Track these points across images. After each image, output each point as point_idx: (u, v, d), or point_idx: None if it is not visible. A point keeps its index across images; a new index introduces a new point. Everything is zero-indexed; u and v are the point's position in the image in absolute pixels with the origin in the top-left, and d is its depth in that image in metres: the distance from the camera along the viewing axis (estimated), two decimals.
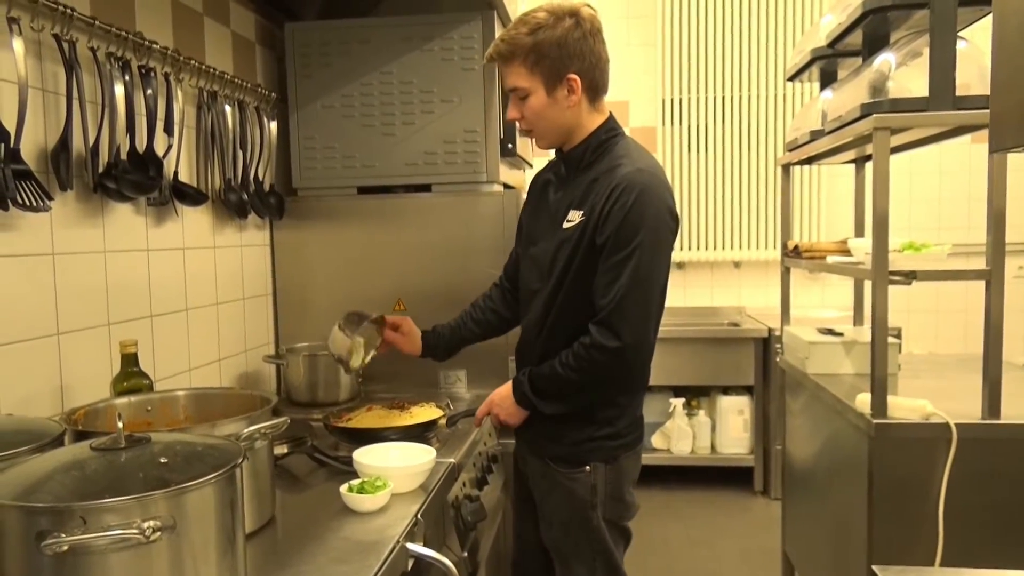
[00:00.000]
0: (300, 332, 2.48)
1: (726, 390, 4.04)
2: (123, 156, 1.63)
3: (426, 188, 2.42)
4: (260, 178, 2.32)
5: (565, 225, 1.62)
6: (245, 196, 2.17)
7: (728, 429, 3.98)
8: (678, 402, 4.00)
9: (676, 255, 4.37)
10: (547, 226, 1.69)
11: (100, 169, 1.59)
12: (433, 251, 2.42)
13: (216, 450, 1.00)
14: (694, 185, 4.39)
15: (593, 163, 1.62)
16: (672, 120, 4.36)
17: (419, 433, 1.74)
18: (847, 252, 2.41)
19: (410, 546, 1.28)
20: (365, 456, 1.47)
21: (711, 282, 4.49)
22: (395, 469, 1.44)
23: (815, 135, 2.39)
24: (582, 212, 1.58)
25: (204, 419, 1.42)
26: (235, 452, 0.99)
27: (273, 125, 2.36)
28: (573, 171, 1.67)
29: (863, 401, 1.94)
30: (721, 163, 4.36)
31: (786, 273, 2.85)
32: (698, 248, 4.42)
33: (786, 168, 2.83)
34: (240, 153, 2.18)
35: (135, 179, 1.62)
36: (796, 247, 2.65)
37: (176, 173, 1.87)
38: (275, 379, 2.45)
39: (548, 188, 1.75)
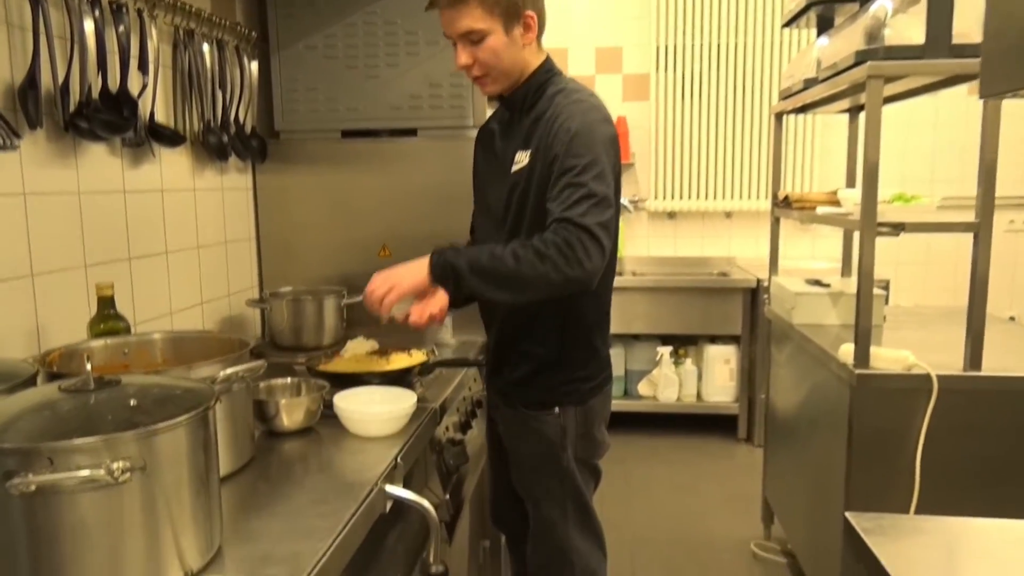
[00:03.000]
0: (284, 276, 2.46)
1: (713, 339, 4.06)
2: (95, 95, 1.58)
3: (411, 132, 2.38)
4: (241, 120, 2.27)
5: (513, 169, 1.61)
6: (225, 138, 2.13)
7: (714, 378, 4.02)
8: (665, 351, 4.02)
9: (666, 204, 4.35)
10: (496, 175, 1.68)
11: (71, 108, 1.55)
12: (418, 196, 2.39)
13: (189, 393, 0.99)
14: (687, 133, 4.33)
15: (535, 103, 1.62)
16: (666, 67, 4.28)
17: (402, 378, 1.74)
18: (837, 203, 2.39)
19: (388, 488, 1.28)
20: (345, 400, 1.47)
21: (702, 232, 4.47)
22: (375, 413, 1.44)
23: (809, 83, 2.35)
24: (528, 152, 1.58)
25: (181, 362, 1.40)
26: (207, 395, 0.98)
27: (254, 65, 2.30)
28: (517, 114, 1.66)
29: (846, 351, 1.95)
30: (715, 111, 4.29)
31: (776, 223, 2.84)
32: (689, 197, 4.39)
33: (779, 117, 2.78)
34: (219, 94, 2.13)
35: (108, 119, 1.58)
36: (786, 197, 2.63)
37: (152, 114, 1.83)
38: (259, 323, 2.44)
39: (493, 138, 1.73)
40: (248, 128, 2.32)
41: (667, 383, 4.03)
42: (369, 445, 1.42)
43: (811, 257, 4.36)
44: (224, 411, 1.24)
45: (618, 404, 4.02)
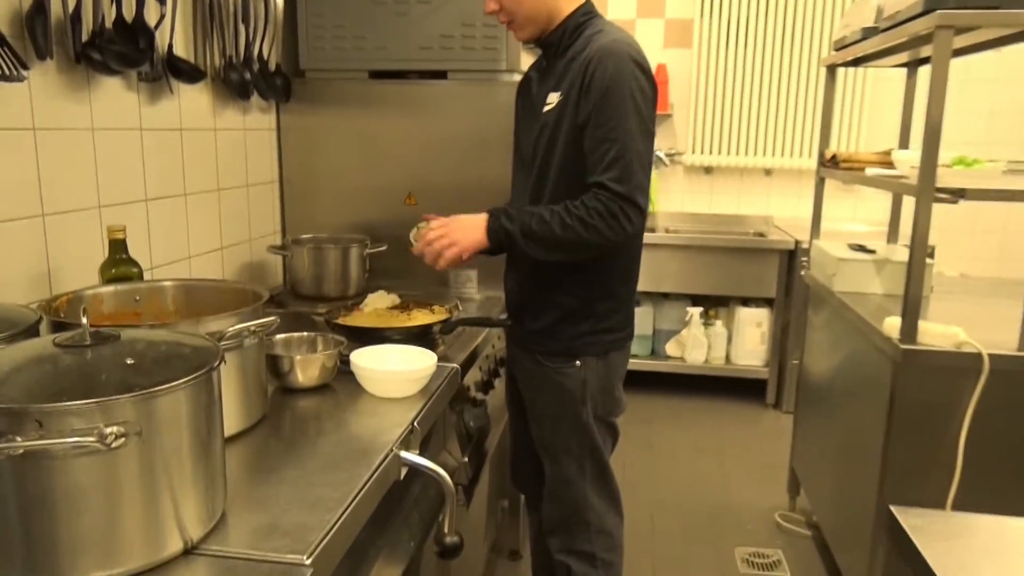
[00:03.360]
0: (307, 222, 2.39)
1: (746, 301, 3.95)
2: (108, 24, 1.50)
3: (442, 75, 2.26)
4: (265, 57, 2.17)
5: (544, 110, 1.59)
6: (248, 75, 2.03)
7: (744, 341, 3.92)
8: (695, 311, 3.92)
9: (704, 159, 4.19)
10: (529, 119, 1.67)
11: (84, 38, 1.47)
12: (447, 142, 2.29)
13: (193, 351, 0.92)
14: (728, 84, 4.14)
15: (570, 45, 1.59)
16: (711, 13, 4.07)
17: (423, 334, 1.67)
18: (889, 164, 2.25)
19: (403, 454, 1.22)
20: (362, 358, 1.41)
21: (739, 189, 4.32)
22: (393, 373, 1.38)
23: (867, 33, 2.18)
24: (559, 93, 1.56)
25: (194, 312, 1.35)
26: (212, 353, 0.91)
27: None
28: (552, 58, 1.63)
29: (891, 325, 1.84)
30: (759, 62, 4.09)
31: (820, 184, 2.69)
32: (728, 152, 4.22)
33: (831, 69, 2.62)
34: (242, 28, 2.03)
35: (121, 50, 1.49)
36: (834, 157, 2.49)
37: (170, 47, 1.74)
38: (281, 271, 2.38)
39: (531, 85, 1.71)
40: (272, 65, 2.22)
41: (696, 344, 3.94)
42: (386, 406, 1.36)
43: (853, 219, 4.19)
44: (234, 367, 1.18)
45: (644, 363, 3.95)
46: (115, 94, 1.60)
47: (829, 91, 2.64)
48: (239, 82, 2.00)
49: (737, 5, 4.04)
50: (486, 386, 1.95)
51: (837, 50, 2.48)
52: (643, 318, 3.97)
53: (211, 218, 2.00)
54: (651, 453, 3.40)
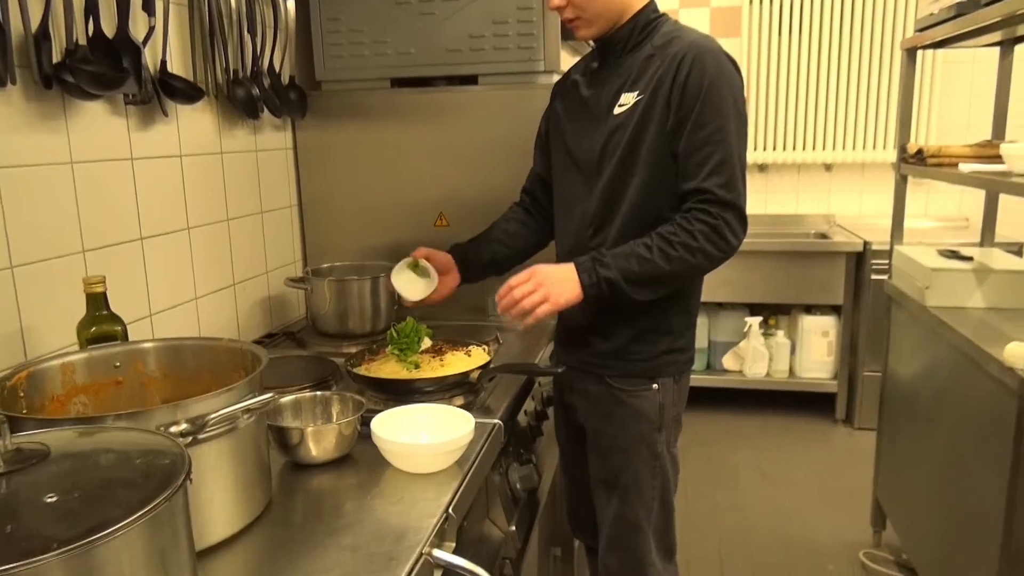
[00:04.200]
0: (330, 248, 2.17)
1: (809, 309, 3.64)
2: (82, 41, 1.29)
3: (472, 80, 2.02)
4: (277, 70, 1.96)
5: (616, 111, 1.42)
6: (256, 91, 1.82)
7: (810, 352, 3.61)
8: (754, 321, 3.63)
9: (758, 155, 3.89)
10: (587, 124, 1.49)
11: (56, 58, 1.26)
12: (481, 155, 2.05)
13: (147, 464, 0.70)
14: (783, 74, 3.83)
15: (642, 42, 1.44)
16: None
17: (457, 383, 1.44)
18: (989, 159, 1.95)
19: (437, 553, 0.99)
20: (385, 426, 1.17)
21: (797, 186, 4.00)
22: (421, 448, 1.14)
23: (963, 8, 1.88)
24: (637, 92, 1.40)
25: (183, 378, 1.14)
26: (173, 468, 0.69)
27: (291, 4, 1.98)
28: (617, 55, 1.47)
29: (1015, 354, 1.55)
30: (816, 48, 3.77)
31: (902, 182, 2.39)
32: (783, 148, 3.91)
33: (911, 53, 2.31)
34: (248, 39, 1.82)
35: (98, 70, 1.28)
36: (920, 151, 2.19)
37: (164, 64, 1.53)
38: (303, 303, 2.17)
39: (578, 89, 1.54)
40: (285, 79, 2.01)
41: (756, 356, 3.64)
42: (416, 483, 1.13)
43: (924, 215, 3.85)
44: (226, 454, 0.96)
45: (700, 378, 3.66)
46: (98, 121, 1.39)
47: (908, 77, 2.33)
48: (246, 99, 1.79)
49: None
50: (534, 432, 1.70)
51: (920, 30, 2.18)
52: (697, 330, 3.68)
53: (220, 252, 1.80)
54: (712, 478, 3.12)
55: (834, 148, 3.86)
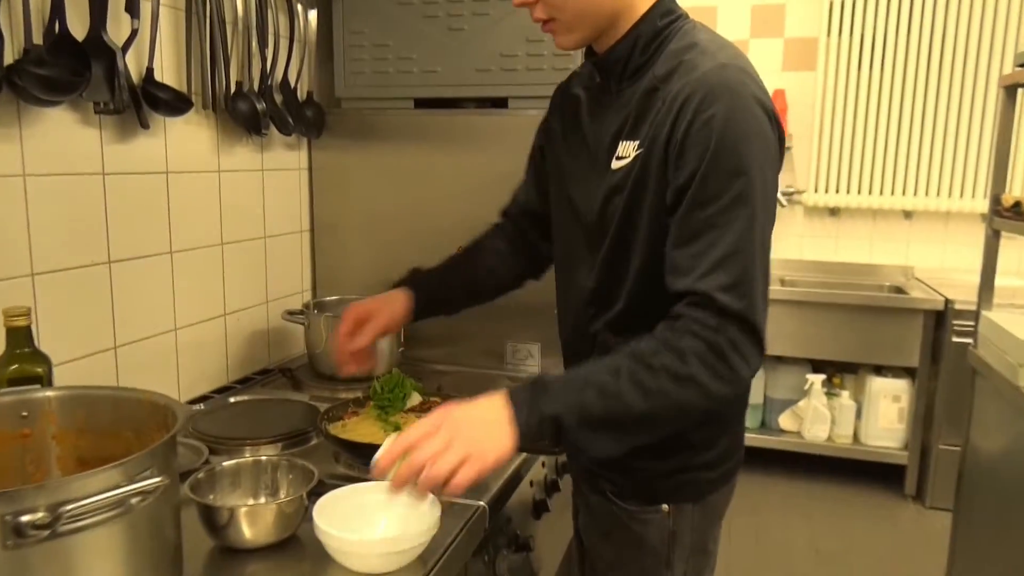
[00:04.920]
0: (343, 278, 2.00)
1: (880, 370, 3.29)
2: (37, 41, 1.15)
3: (502, 103, 1.83)
4: (292, 84, 1.81)
5: (614, 165, 1.07)
6: (262, 105, 1.67)
7: (878, 417, 3.26)
8: (817, 379, 3.30)
9: (829, 198, 3.59)
10: (585, 167, 1.14)
11: (12, 59, 1.13)
12: (508, 184, 1.81)
13: None
14: (860, 111, 3.52)
15: (644, 66, 1.06)
16: (839, 29, 3.48)
17: None
18: None
19: None
20: (331, 512, 0.96)
21: (871, 234, 3.66)
22: (369, 544, 0.93)
23: None
24: (638, 143, 1.03)
25: (101, 432, 0.97)
26: None
27: (313, 15, 1.83)
28: (615, 81, 1.09)
29: None
30: (900, 83, 3.45)
31: (993, 238, 2.09)
32: (858, 192, 3.59)
33: (1011, 91, 2.02)
34: (258, 49, 1.67)
35: (50, 74, 1.13)
36: (1017, 203, 1.89)
37: (150, 71, 1.39)
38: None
39: (579, 110, 1.18)
40: (302, 94, 1.86)
41: (816, 418, 3.31)
42: None
43: (1016, 274, 3.46)
44: (110, 545, 0.78)
45: (753, 438, 3.35)
46: (61, 131, 1.25)
47: (1007, 118, 2.04)
48: (248, 114, 1.64)
49: (872, 20, 3.44)
50: (538, 508, 1.47)
51: (1022, 66, 1.89)
52: (753, 384, 3.38)
53: (209, 279, 1.64)
54: (760, 554, 2.80)
55: (915, 194, 3.52)
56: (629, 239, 1.06)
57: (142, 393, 0.97)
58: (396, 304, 1.29)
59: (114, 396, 0.98)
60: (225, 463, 1.06)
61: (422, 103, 1.89)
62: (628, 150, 1.04)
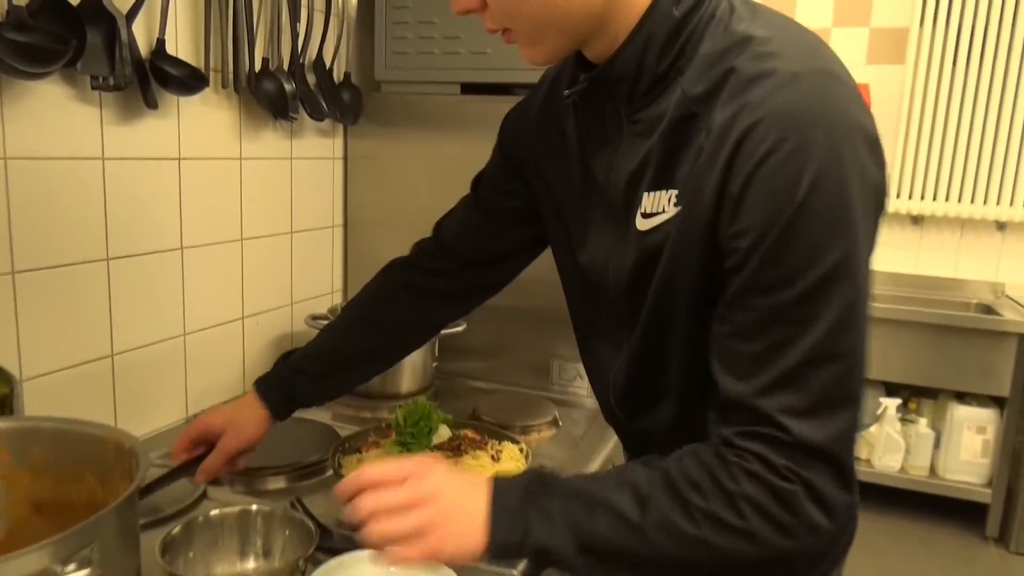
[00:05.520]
0: None
1: (963, 397, 2.99)
2: (20, 2, 0.99)
3: None
4: (327, 65, 1.64)
5: (641, 224, 0.77)
6: (290, 86, 1.50)
7: (959, 449, 2.96)
8: (891, 403, 3.02)
9: (912, 204, 3.29)
10: (604, 220, 0.84)
11: None
12: None
13: None
14: (953, 110, 3.20)
15: (665, 78, 0.74)
16: (934, 20, 3.16)
17: None
18: None
19: None
20: None
21: (958, 246, 3.34)
22: None
23: None
24: (675, 195, 0.73)
25: (62, 475, 0.80)
26: None
27: None
28: (624, 103, 0.78)
29: None
30: (1000, 81, 3.12)
31: None
32: (945, 199, 3.26)
33: None
34: (289, 24, 1.50)
35: (33, 41, 0.97)
36: None
37: (161, 43, 1.22)
38: None
39: (573, 128, 0.87)
40: (338, 75, 1.69)
41: (889, 446, 3.03)
42: None
43: None
44: None
45: None
46: (51, 108, 1.09)
47: None
48: (275, 95, 1.47)
49: (971, 10, 3.11)
50: None
51: None
52: None
53: (226, 278, 1.47)
54: None
55: (1011, 204, 3.18)
56: (670, 317, 0.77)
57: (104, 430, 0.80)
58: (245, 422, 1.01)
59: (70, 431, 0.81)
60: (208, 514, 0.89)
61: (469, 88, 1.69)
62: (660, 204, 0.74)
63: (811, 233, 0.65)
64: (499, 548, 0.70)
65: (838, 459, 0.67)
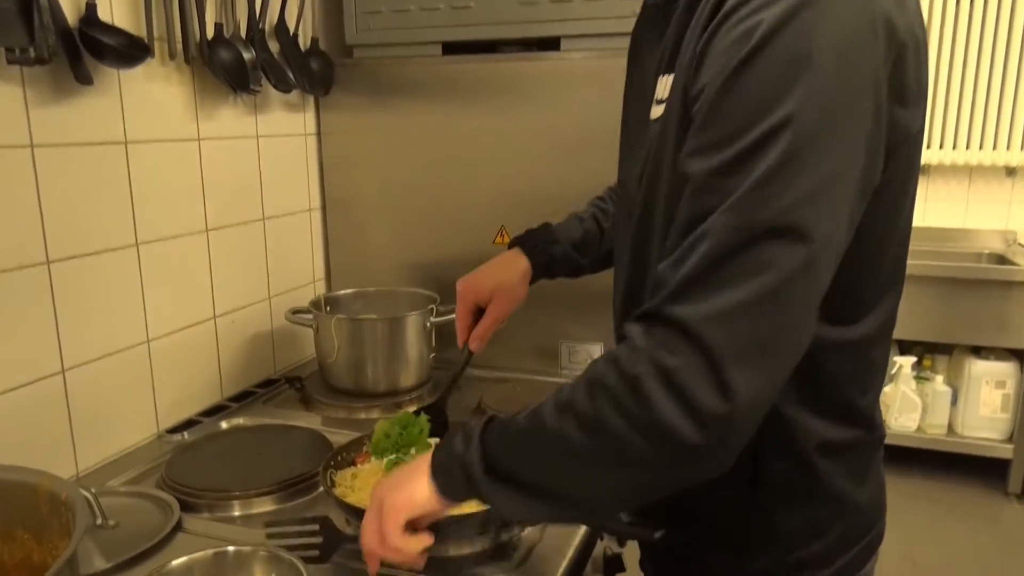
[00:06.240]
0: (362, 265, 1.67)
1: (979, 351, 2.88)
2: None
3: (553, 44, 1.46)
4: (291, 30, 1.46)
5: (653, 113, 0.74)
6: (249, 54, 1.32)
7: (977, 405, 2.86)
8: (906, 361, 2.91)
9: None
10: (636, 117, 0.81)
11: None
12: (561, 145, 1.49)
13: None
14: (958, 53, 3.05)
15: None
16: None
17: (474, 526, 0.89)
18: None
19: None
20: None
21: (967, 195, 3.22)
22: None
23: None
24: (671, 76, 0.70)
25: None
26: None
27: None
28: (660, 7, 0.77)
29: None
30: (1007, 22, 2.97)
31: None
32: (952, 146, 3.13)
33: None
34: None
35: None
36: None
37: (91, 7, 1.05)
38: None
39: (637, 52, 0.86)
40: (305, 42, 1.52)
41: (905, 405, 2.93)
42: None
43: None
44: None
45: None
46: None
47: None
48: (233, 66, 1.30)
49: None
50: None
51: None
52: None
53: (191, 275, 1.31)
54: None
55: (1022, 148, 3.06)
56: (650, 220, 0.73)
57: (36, 476, 0.65)
58: (511, 283, 1.06)
59: (4, 480, 0.66)
60: (175, 562, 0.74)
61: (451, 48, 1.53)
62: (665, 89, 0.70)
63: (756, 85, 0.56)
64: (440, 477, 0.71)
65: (710, 347, 0.55)
